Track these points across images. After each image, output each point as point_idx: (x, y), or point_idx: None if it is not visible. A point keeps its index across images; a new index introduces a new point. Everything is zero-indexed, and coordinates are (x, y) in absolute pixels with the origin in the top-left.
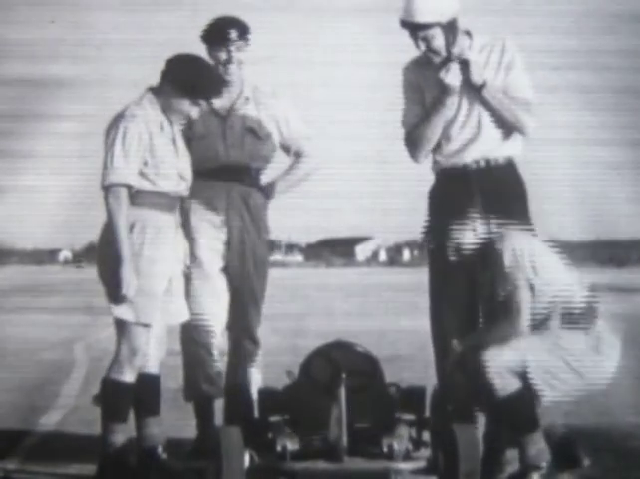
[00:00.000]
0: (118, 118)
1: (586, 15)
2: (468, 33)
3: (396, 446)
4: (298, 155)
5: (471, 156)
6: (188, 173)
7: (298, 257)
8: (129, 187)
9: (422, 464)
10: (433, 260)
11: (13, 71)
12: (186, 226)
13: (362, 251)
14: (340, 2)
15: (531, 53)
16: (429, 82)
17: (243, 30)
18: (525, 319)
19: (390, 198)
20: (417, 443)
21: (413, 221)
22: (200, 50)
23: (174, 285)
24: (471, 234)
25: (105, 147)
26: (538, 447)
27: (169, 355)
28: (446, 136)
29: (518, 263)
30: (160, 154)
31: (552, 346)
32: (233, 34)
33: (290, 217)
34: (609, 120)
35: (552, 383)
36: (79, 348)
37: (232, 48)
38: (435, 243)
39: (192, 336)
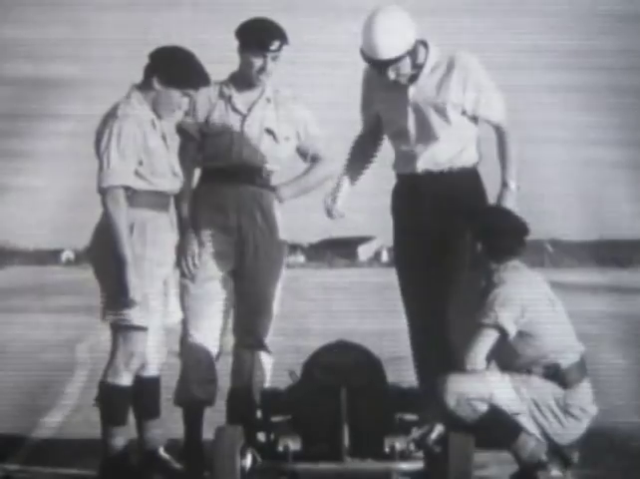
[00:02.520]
0: (109, 118)
1: (586, 15)
2: (424, 44)
3: (398, 446)
4: (315, 159)
5: (424, 165)
6: (179, 170)
7: (300, 258)
8: (126, 188)
9: (423, 464)
10: (397, 259)
11: (13, 71)
12: (195, 229)
13: (364, 252)
14: (340, 2)
15: (531, 53)
16: (382, 86)
17: (283, 41)
18: (479, 359)
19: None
20: (419, 443)
21: None
22: (200, 50)
23: (169, 285)
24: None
25: (97, 148)
26: (529, 448)
27: (173, 355)
28: (401, 148)
29: (504, 304)
30: (155, 152)
31: (521, 389)
32: (275, 44)
33: (292, 216)
34: (609, 120)
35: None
36: (81, 349)
37: (269, 57)
38: (396, 243)
39: (189, 339)
